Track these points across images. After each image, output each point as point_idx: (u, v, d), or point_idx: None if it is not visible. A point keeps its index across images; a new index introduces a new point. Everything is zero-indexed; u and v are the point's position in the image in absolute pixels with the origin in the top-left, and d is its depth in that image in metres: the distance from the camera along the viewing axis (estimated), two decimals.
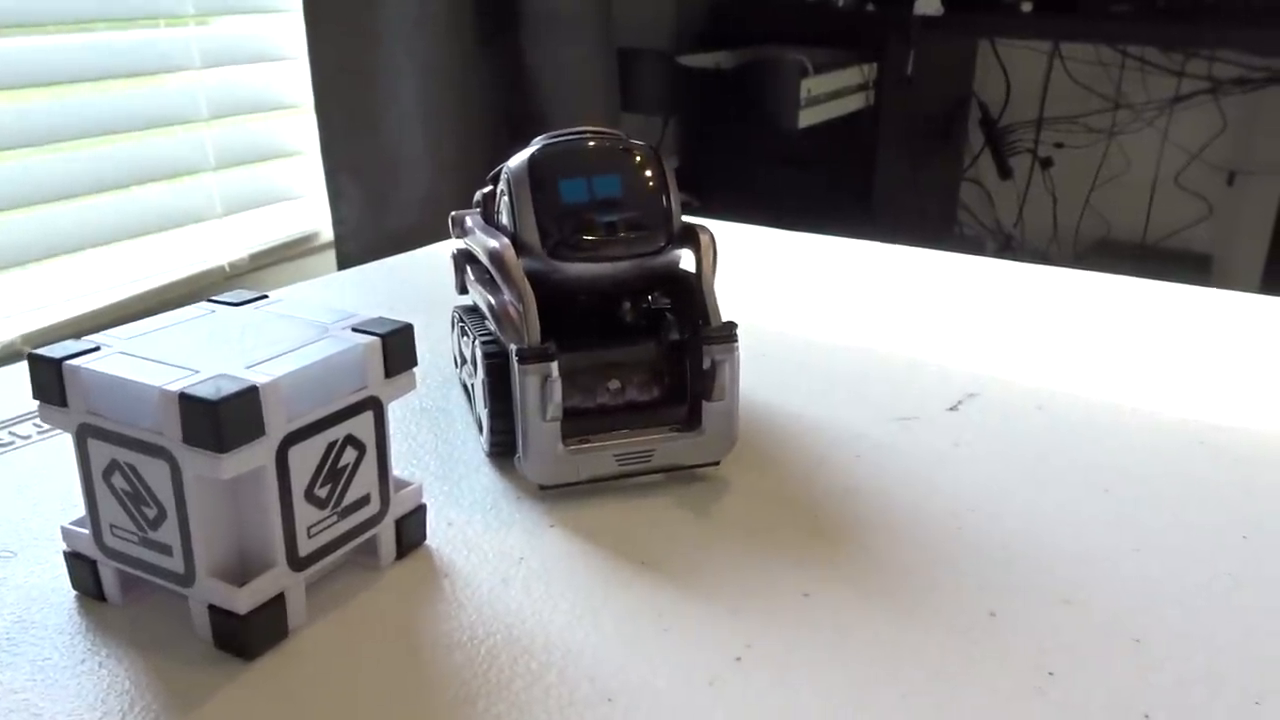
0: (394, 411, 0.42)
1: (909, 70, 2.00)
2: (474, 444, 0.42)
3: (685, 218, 0.40)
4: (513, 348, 0.36)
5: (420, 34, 1.31)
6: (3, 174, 0.96)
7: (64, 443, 0.38)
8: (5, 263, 0.96)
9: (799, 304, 0.57)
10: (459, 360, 0.46)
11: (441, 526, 0.36)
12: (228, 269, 1.17)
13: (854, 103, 1.97)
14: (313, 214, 1.28)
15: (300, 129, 1.25)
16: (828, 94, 1.88)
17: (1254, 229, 2.11)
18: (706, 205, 1.77)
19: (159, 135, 1.10)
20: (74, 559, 0.32)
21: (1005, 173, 2.39)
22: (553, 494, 0.38)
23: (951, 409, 0.44)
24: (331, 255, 1.28)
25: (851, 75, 1.94)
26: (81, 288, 1.03)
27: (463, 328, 0.43)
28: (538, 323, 0.36)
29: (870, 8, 2.01)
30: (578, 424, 0.37)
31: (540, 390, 0.35)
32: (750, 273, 0.63)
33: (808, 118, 1.84)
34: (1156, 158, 2.28)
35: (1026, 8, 1.92)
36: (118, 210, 1.07)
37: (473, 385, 0.42)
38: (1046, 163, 2.36)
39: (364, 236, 1.27)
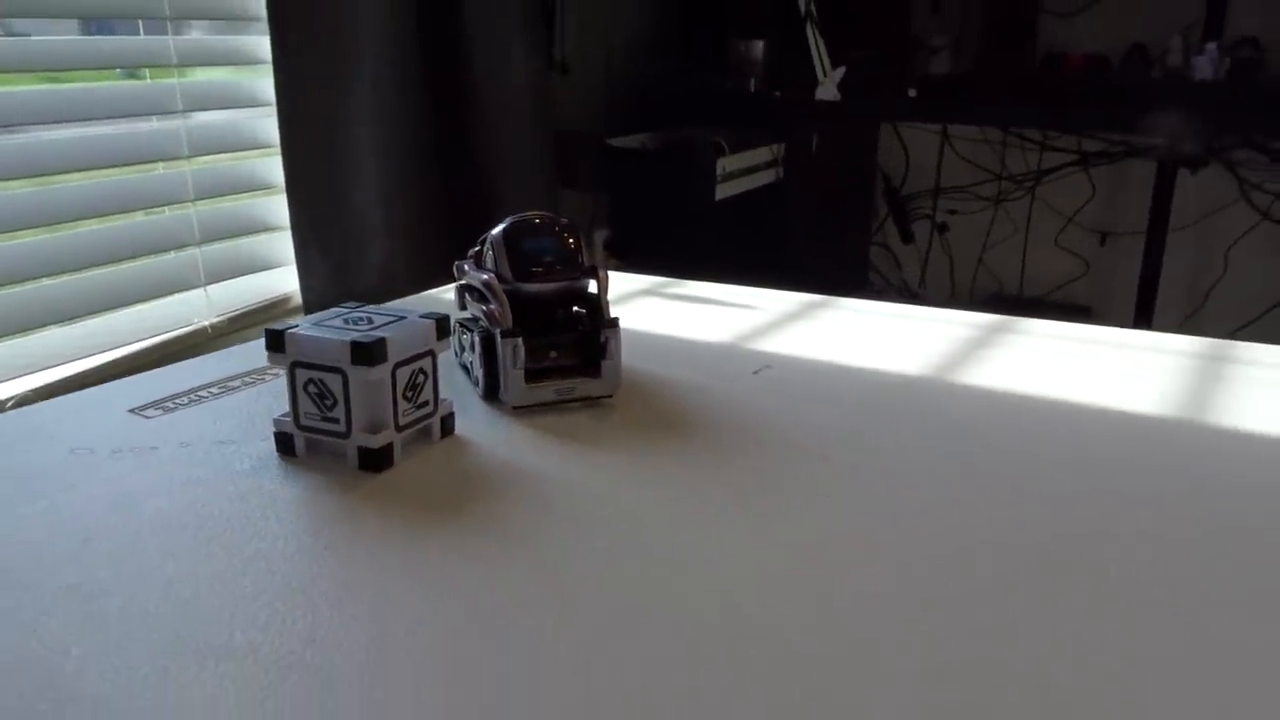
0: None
1: (813, 148, 2.25)
2: (473, 395, 0.66)
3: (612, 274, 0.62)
4: (497, 331, 0.62)
5: (381, 123, 1.51)
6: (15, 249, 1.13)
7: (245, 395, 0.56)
8: (11, 329, 1.13)
9: (689, 322, 0.77)
10: (459, 351, 0.71)
11: (464, 426, 0.60)
12: (210, 330, 1.35)
13: (765, 177, 2.21)
14: (285, 281, 1.46)
15: (275, 209, 1.44)
16: (742, 170, 2.12)
17: (1125, 283, 2.38)
18: (636, 266, 1.98)
19: (151, 214, 1.28)
20: (280, 436, 0.56)
21: (908, 237, 2.65)
22: (520, 412, 0.63)
23: (755, 372, 0.66)
24: (301, 316, 1.46)
25: (763, 153, 2.18)
26: (95, 345, 1.21)
27: (463, 328, 0.68)
28: (511, 318, 0.62)
29: (778, 94, 2.26)
30: (533, 376, 0.62)
31: (513, 353, 0.61)
32: (655, 307, 0.83)
33: (724, 191, 2.08)
34: (1038, 222, 2.55)
35: (912, 93, 2.19)
36: (115, 280, 1.24)
37: (471, 362, 0.67)
38: (943, 228, 2.63)
39: (329, 300, 1.45)
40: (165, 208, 1.31)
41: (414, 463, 0.55)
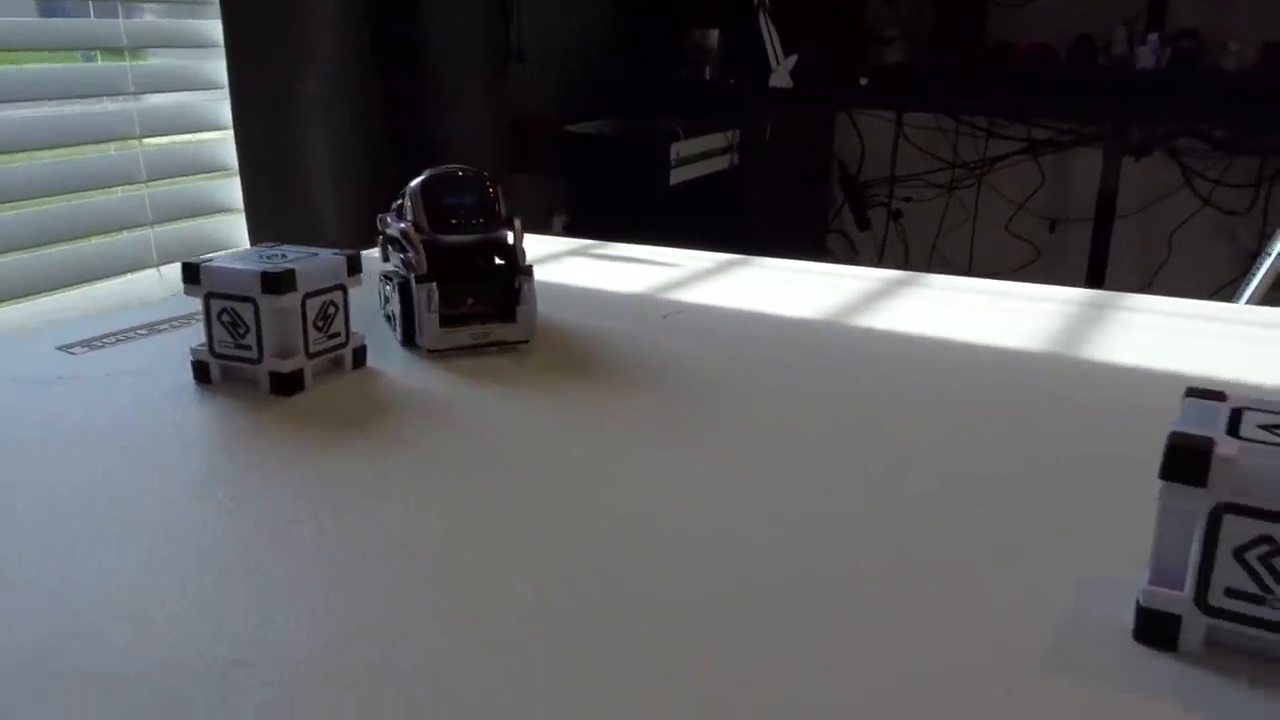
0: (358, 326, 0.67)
1: (767, 134, 2.29)
2: (394, 342, 0.68)
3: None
4: (413, 276, 0.64)
5: (333, 107, 1.54)
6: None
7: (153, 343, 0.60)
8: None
9: (611, 277, 0.81)
10: (383, 301, 0.73)
11: (380, 364, 0.63)
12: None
13: (721, 163, 2.25)
14: None
15: (229, 191, 1.47)
16: (697, 155, 2.16)
17: (1073, 268, 2.44)
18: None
19: (104, 193, 1.31)
20: (196, 365, 0.60)
21: (864, 224, 2.69)
22: (436, 355, 0.66)
23: (665, 317, 0.70)
24: None
25: (718, 139, 2.23)
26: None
27: (385, 279, 0.71)
28: (426, 264, 0.64)
29: (732, 81, 2.30)
30: (450, 320, 0.65)
31: (428, 297, 0.63)
32: (581, 265, 0.87)
33: (679, 175, 2.12)
34: (989, 208, 2.60)
35: (864, 82, 2.24)
36: (68, 259, 1.27)
37: (392, 311, 0.69)
38: (897, 214, 2.68)
39: None
40: (118, 188, 1.33)
41: (325, 389, 0.58)
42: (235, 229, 1.48)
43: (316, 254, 0.59)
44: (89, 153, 1.30)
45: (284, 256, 0.57)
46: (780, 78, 2.23)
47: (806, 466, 0.49)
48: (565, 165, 2.19)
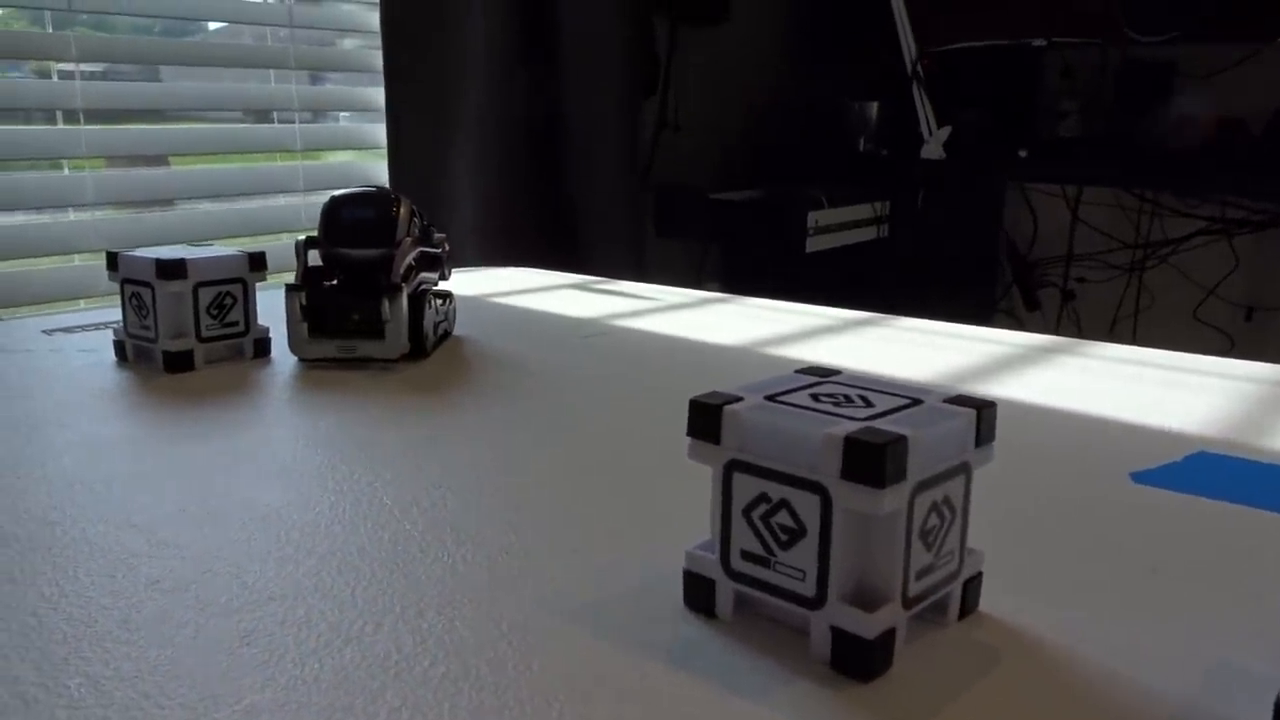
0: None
1: (919, 205, 2.25)
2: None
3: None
4: (285, 284, 0.66)
5: (481, 167, 1.67)
6: None
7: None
8: None
9: (581, 307, 0.84)
10: None
11: (287, 359, 0.67)
12: None
13: (867, 233, 2.23)
14: None
15: None
16: (838, 224, 2.16)
17: (1273, 360, 2.21)
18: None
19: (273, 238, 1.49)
20: (116, 344, 0.65)
21: (1032, 304, 2.57)
22: (308, 364, 0.68)
23: (585, 337, 0.72)
24: None
25: (863, 210, 2.21)
26: None
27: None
28: (301, 274, 0.66)
29: (884, 153, 2.28)
30: (320, 331, 0.65)
31: (296, 306, 0.65)
32: (565, 297, 0.90)
33: (816, 244, 2.12)
34: (1176, 292, 2.41)
35: (1023, 154, 2.16)
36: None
37: None
38: (1070, 295, 2.53)
39: None
40: (282, 234, 1.52)
41: (215, 372, 0.66)
42: None
43: (232, 252, 0.66)
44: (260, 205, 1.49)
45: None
46: (932, 149, 2.20)
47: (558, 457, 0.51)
48: (711, 231, 2.24)
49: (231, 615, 0.35)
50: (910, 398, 0.35)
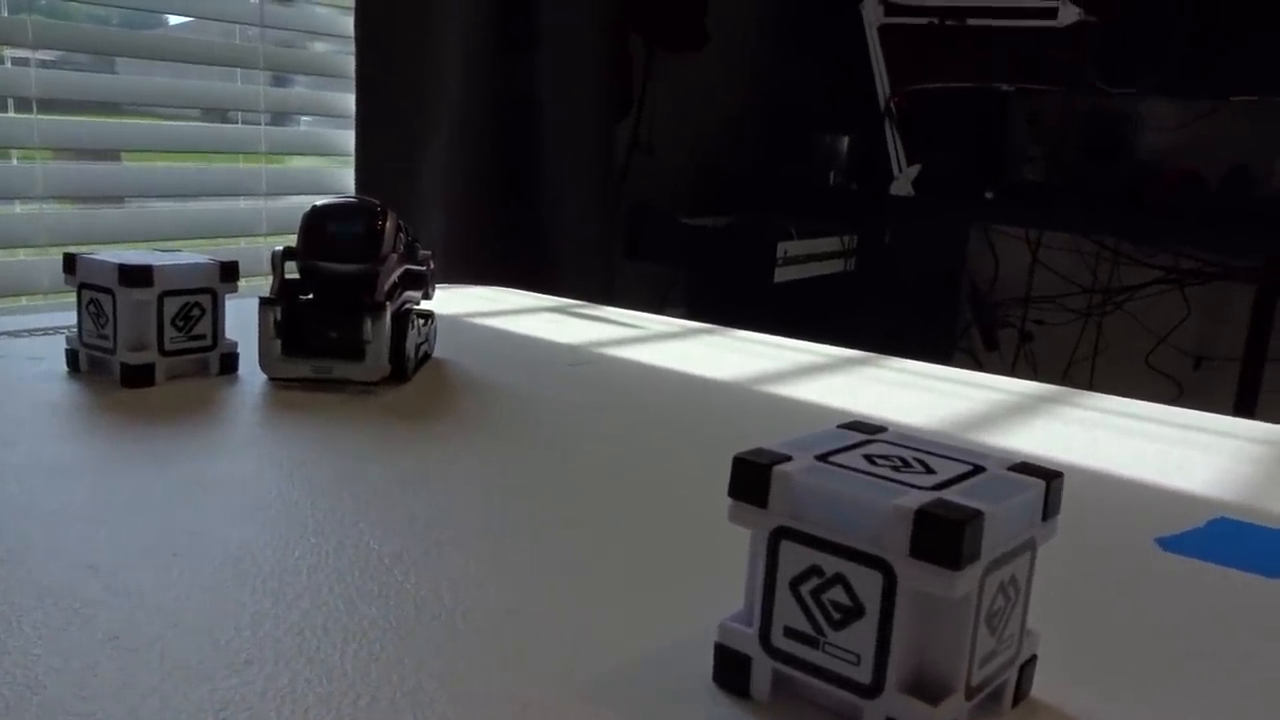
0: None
1: (886, 241, 2.25)
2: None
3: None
4: (259, 297, 0.61)
5: (450, 181, 1.62)
6: None
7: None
8: None
9: (570, 333, 0.81)
10: None
11: (255, 376, 0.62)
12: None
13: (833, 266, 2.22)
14: None
15: None
16: (806, 255, 2.14)
17: (1220, 410, 2.24)
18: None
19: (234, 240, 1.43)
20: (69, 353, 0.60)
21: (991, 344, 2.58)
22: (280, 383, 0.63)
23: (572, 365, 0.68)
24: None
25: (831, 242, 2.20)
26: None
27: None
28: (277, 287, 0.61)
29: (854, 186, 2.28)
30: (295, 349, 0.61)
31: (271, 322, 0.60)
32: (551, 321, 0.87)
33: (784, 274, 2.10)
34: (1129, 339, 2.44)
35: (989, 196, 2.17)
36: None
37: None
38: (1027, 337, 2.55)
39: None
40: (240, 239, 1.46)
41: (176, 389, 0.61)
42: None
43: (203, 260, 0.62)
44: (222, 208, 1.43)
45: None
46: (901, 186, 2.20)
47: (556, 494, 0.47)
48: (681, 255, 2.21)
49: (203, 682, 0.30)
50: (971, 464, 0.32)
